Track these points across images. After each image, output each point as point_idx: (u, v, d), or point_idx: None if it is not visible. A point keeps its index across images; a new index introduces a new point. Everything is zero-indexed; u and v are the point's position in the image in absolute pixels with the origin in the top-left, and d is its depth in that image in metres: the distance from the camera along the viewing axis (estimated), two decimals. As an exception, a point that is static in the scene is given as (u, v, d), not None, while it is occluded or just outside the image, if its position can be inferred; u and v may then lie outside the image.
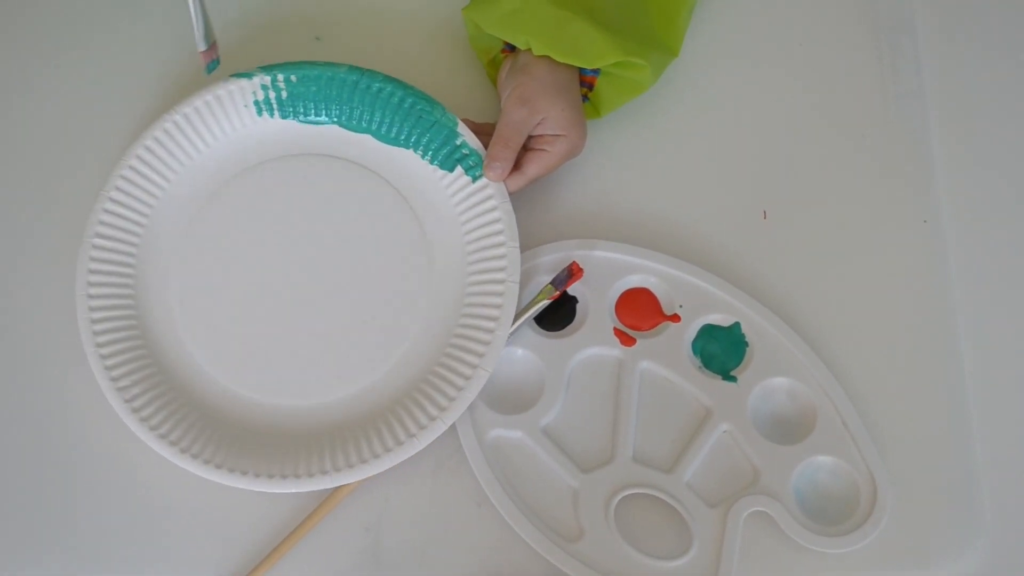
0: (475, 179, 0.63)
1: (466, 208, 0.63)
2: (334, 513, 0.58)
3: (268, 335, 0.61)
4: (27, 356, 0.64)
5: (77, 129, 0.69)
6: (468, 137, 0.64)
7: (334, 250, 0.63)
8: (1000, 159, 0.68)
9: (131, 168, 0.64)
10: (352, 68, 0.66)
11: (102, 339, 0.59)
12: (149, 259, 0.63)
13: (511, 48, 0.67)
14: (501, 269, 0.60)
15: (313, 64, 0.66)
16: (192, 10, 0.60)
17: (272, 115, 0.66)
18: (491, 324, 0.59)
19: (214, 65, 0.64)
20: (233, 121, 0.66)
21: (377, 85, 0.66)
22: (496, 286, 0.60)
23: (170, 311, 0.62)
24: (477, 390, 0.58)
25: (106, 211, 0.63)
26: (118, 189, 0.63)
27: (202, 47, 0.62)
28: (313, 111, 0.66)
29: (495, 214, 0.61)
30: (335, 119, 0.66)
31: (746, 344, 0.61)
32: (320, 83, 0.66)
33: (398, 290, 0.62)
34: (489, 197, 0.62)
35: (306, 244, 0.63)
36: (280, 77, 0.66)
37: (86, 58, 0.72)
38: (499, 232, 0.61)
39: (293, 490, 0.56)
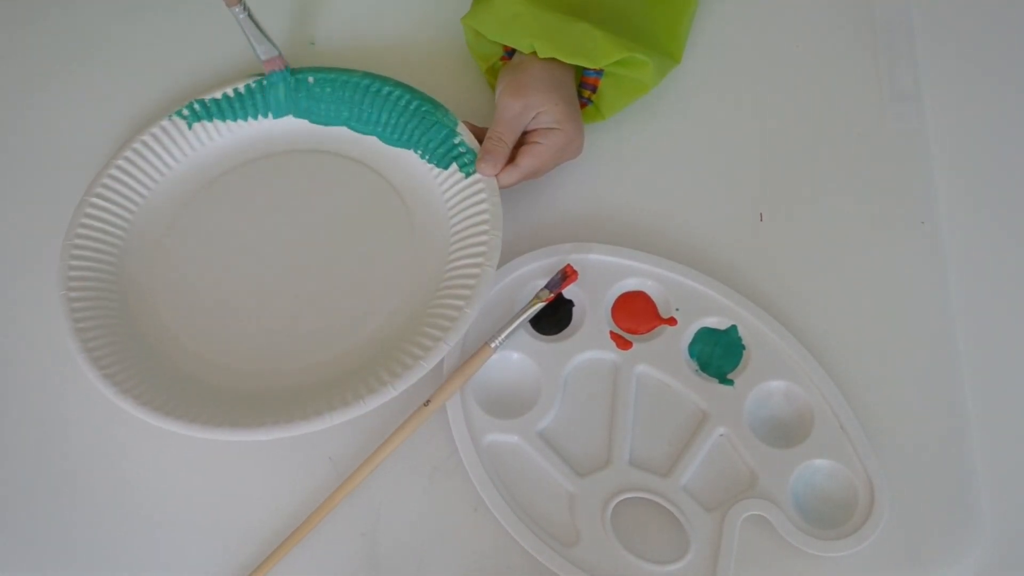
0: (468, 175, 0.63)
1: (456, 202, 0.63)
2: (330, 518, 0.58)
3: (246, 305, 0.63)
4: (19, 355, 0.64)
5: (88, 123, 0.72)
6: (466, 136, 0.64)
7: (321, 233, 0.65)
8: (997, 160, 0.68)
9: (147, 139, 0.67)
10: (366, 73, 0.68)
11: (84, 323, 0.60)
12: (142, 228, 0.66)
13: (510, 54, 0.67)
14: (480, 255, 0.60)
15: (330, 69, 0.69)
16: (243, 27, 0.65)
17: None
18: (460, 303, 0.59)
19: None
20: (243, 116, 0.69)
21: (388, 88, 0.68)
22: (473, 269, 0.60)
23: (154, 286, 0.64)
24: (433, 362, 0.57)
25: (110, 176, 0.65)
26: (133, 151, 0.66)
27: (263, 56, 0.67)
28: (325, 112, 0.68)
29: (483, 206, 0.62)
30: (344, 121, 0.68)
31: (743, 347, 0.61)
32: (335, 85, 0.68)
33: (378, 271, 0.63)
34: (479, 191, 0.62)
35: (294, 227, 0.65)
36: (299, 77, 0.69)
37: (100, 55, 0.74)
38: (484, 222, 0.61)
39: (256, 438, 0.56)
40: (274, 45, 0.67)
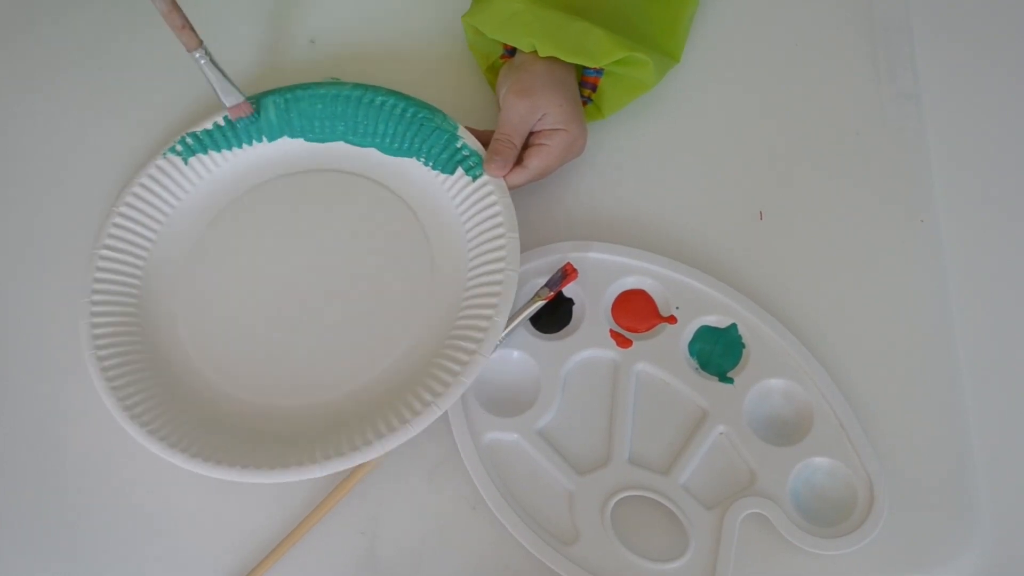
0: (475, 178, 0.63)
1: (467, 207, 0.63)
2: (329, 517, 0.58)
3: (272, 338, 0.61)
4: (30, 364, 0.64)
5: (100, 139, 0.71)
6: (468, 140, 0.64)
7: (337, 255, 0.64)
8: (995, 158, 0.68)
9: (145, 182, 0.66)
10: (356, 85, 0.67)
11: (101, 341, 0.60)
12: (157, 269, 0.64)
13: (511, 53, 0.67)
14: (500, 259, 0.59)
15: (319, 84, 0.68)
16: (206, 72, 0.63)
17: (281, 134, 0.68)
18: (489, 312, 0.58)
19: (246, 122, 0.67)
20: (243, 140, 0.68)
21: (380, 98, 0.67)
22: (496, 275, 0.59)
23: (173, 316, 0.63)
24: (473, 375, 0.56)
25: (115, 224, 0.64)
26: (134, 196, 0.65)
27: (227, 103, 0.65)
28: (320, 129, 0.67)
29: (495, 208, 0.61)
30: (341, 135, 0.67)
31: (742, 346, 0.61)
32: (327, 100, 0.67)
33: (400, 290, 0.62)
34: (489, 193, 0.62)
35: (310, 251, 0.64)
36: (288, 97, 0.68)
37: (115, 70, 0.74)
38: (499, 224, 0.61)
39: (285, 479, 0.54)
40: (239, 90, 0.65)
